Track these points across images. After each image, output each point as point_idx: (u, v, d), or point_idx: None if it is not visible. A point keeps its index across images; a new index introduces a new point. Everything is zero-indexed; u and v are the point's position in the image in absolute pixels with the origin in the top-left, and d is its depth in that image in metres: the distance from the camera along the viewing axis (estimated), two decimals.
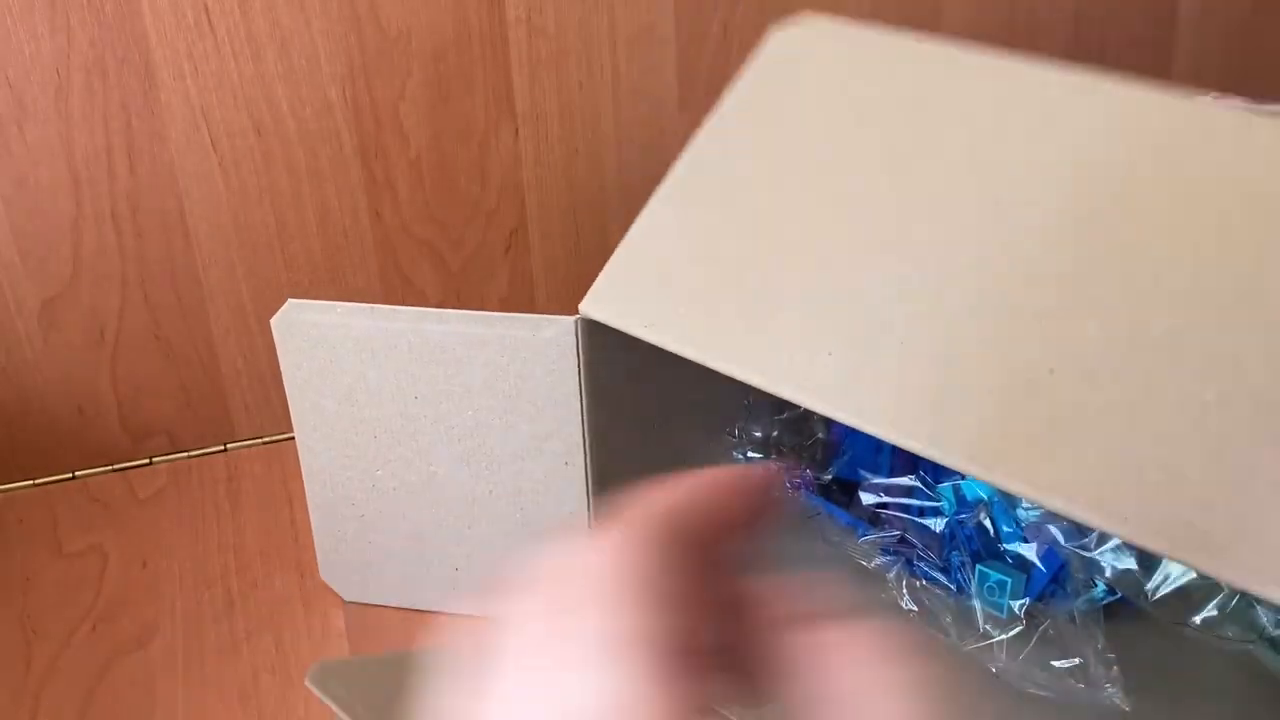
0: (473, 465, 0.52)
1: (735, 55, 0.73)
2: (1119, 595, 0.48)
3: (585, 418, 0.49)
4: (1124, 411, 0.36)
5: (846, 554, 0.54)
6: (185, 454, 0.71)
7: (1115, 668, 0.46)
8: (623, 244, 0.48)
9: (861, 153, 0.45)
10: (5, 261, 0.64)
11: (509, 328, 0.49)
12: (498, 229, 0.72)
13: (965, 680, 0.49)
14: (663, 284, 0.46)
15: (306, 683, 0.45)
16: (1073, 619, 0.47)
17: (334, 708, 0.44)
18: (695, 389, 0.53)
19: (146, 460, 0.71)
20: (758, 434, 0.57)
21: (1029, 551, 0.49)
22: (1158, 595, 0.46)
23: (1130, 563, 0.46)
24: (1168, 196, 0.39)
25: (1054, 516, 0.47)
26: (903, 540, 0.52)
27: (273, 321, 0.51)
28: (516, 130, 0.70)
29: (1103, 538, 0.46)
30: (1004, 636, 0.48)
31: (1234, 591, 0.45)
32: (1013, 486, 0.35)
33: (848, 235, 0.43)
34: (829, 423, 0.57)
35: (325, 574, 0.57)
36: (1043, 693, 0.47)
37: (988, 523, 0.50)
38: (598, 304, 0.46)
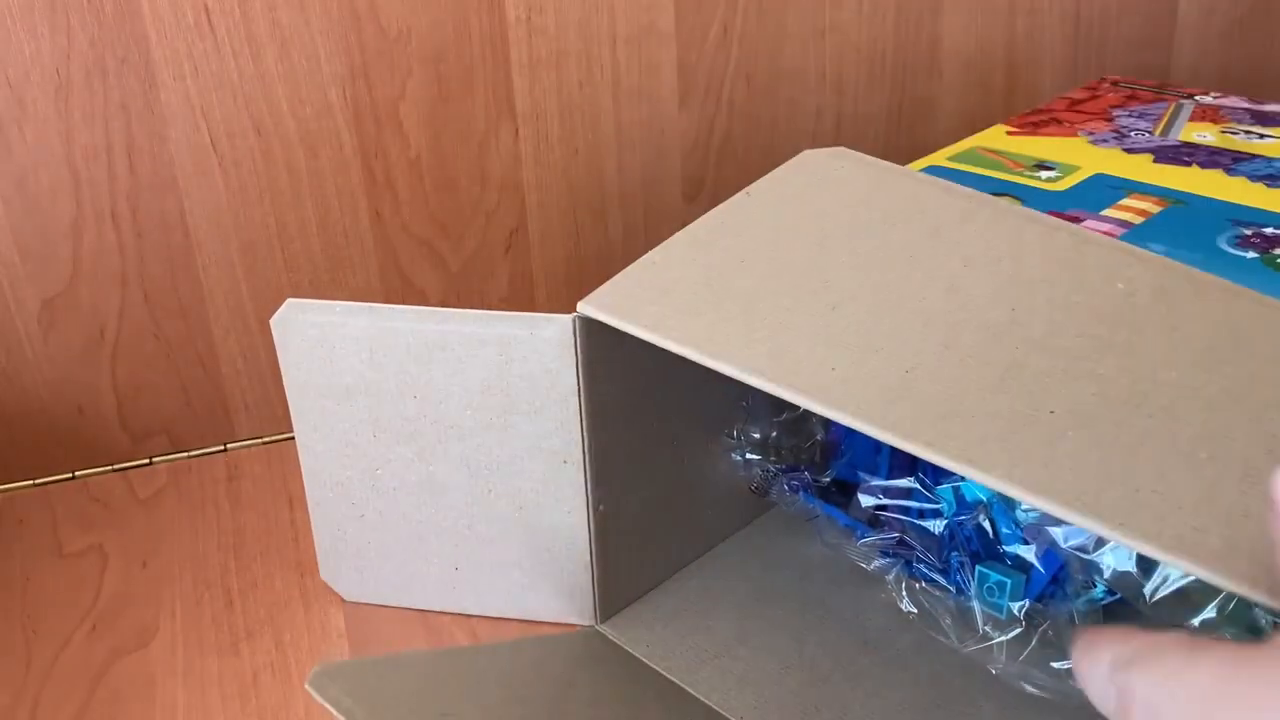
0: (472, 465, 0.52)
1: (735, 55, 0.74)
2: (1118, 596, 0.48)
3: (584, 417, 0.49)
4: (1121, 416, 0.37)
5: (845, 556, 0.55)
6: (185, 454, 0.71)
7: None
8: (627, 269, 0.49)
9: (880, 239, 0.47)
10: (5, 261, 0.64)
11: (508, 326, 0.49)
12: (498, 229, 0.72)
13: (965, 682, 0.49)
14: (665, 293, 0.46)
15: (307, 687, 0.45)
16: (1072, 620, 0.47)
17: (334, 712, 0.44)
18: (693, 391, 0.54)
19: (146, 460, 0.71)
20: (756, 435, 0.57)
21: (1028, 553, 0.49)
22: (1157, 597, 0.46)
23: (1129, 565, 0.46)
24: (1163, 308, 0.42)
25: (1053, 518, 0.47)
26: (901, 542, 0.52)
27: (272, 321, 0.51)
28: (516, 130, 0.70)
29: (1101, 540, 0.46)
30: (1004, 638, 0.48)
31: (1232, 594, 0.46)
32: (1011, 489, 0.36)
33: (859, 284, 0.45)
34: (827, 424, 0.57)
35: (325, 574, 0.57)
36: (1042, 694, 0.47)
37: (987, 524, 0.50)
38: (597, 304, 0.47)
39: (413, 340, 0.50)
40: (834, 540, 0.55)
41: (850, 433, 0.56)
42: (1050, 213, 0.55)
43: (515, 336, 0.48)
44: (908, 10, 0.76)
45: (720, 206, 0.52)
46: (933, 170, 0.59)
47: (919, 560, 0.52)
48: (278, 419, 0.72)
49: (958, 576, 0.51)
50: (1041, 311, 0.42)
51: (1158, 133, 0.64)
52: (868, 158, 0.53)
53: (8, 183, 0.62)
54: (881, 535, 0.53)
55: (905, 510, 0.52)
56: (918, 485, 0.52)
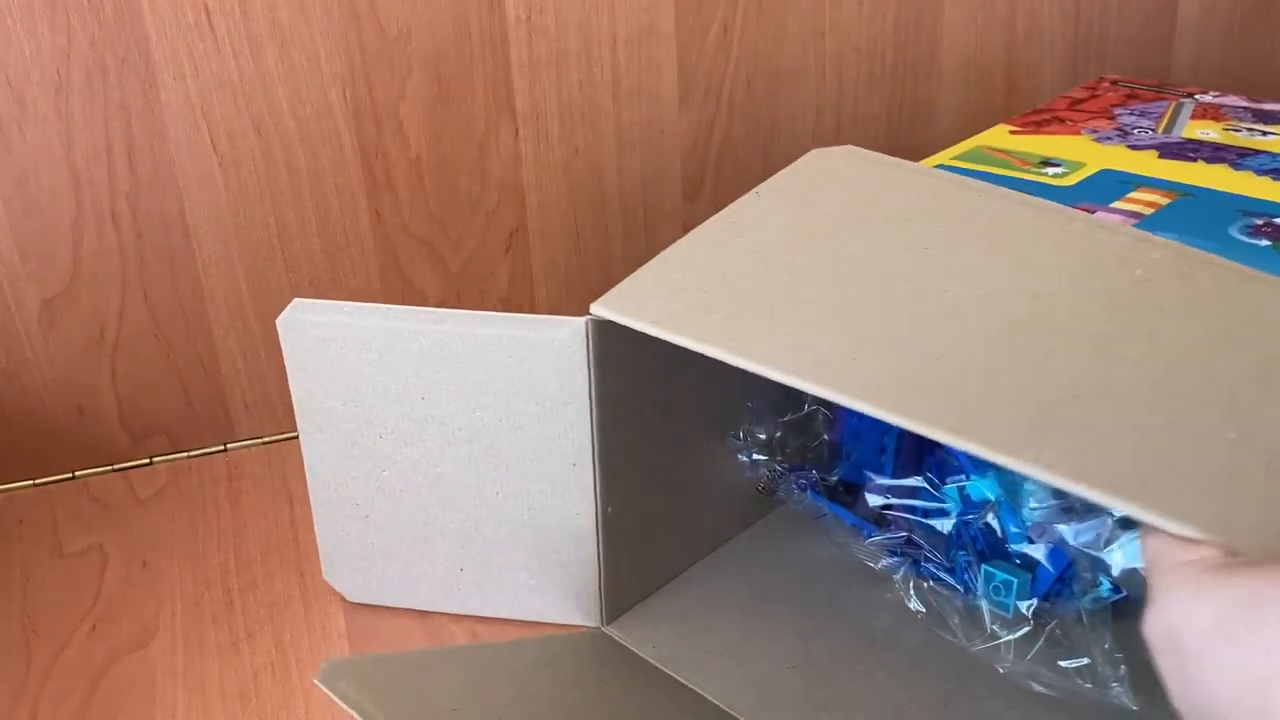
0: (480, 466, 0.51)
1: (735, 55, 0.74)
2: (1125, 594, 0.48)
3: (594, 419, 0.49)
4: (1149, 400, 0.37)
5: (852, 555, 0.54)
6: (185, 454, 0.71)
7: (1123, 667, 0.46)
8: (638, 270, 0.48)
9: (894, 233, 0.47)
10: (5, 261, 0.64)
11: (519, 328, 0.48)
12: (498, 229, 0.72)
13: (972, 680, 0.49)
14: (679, 292, 0.46)
15: (316, 681, 0.45)
16: (1080, 618, 0.47)
17: (344, 706, 0.44)
18: (699, 393, 0.54)
19: (146, 460, 0.71)
20: (761, 436, 0.57)
21: (1035, 551, 0.49)
22: None
23: (1138, 561, 0.46)
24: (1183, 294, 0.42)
25: (1061, 515, 0.47)
26: (909, 541, 0.52)
27: (278, 321, 0.51)
28: (516, 130, 0.70)
29: (1110, 537, 0.46)
30: (1011, 637, 0.48)
31: None
32: (1042, 473, 0.35)
33: (876, 277, 0.45)
34: (832, 424, 0.57)
35: (328, 574, 0.57)
36: (1050, 692, 0.47)
37: (994, 523, 0.50)
38: (610, 306, 0.46)
39: (422, 341, 0.49)
40: (841, 540, 0.55)
41: (855, 434, 0.56)
42: None
43: (526, 339, 0.48)
44: (908, 10, 0.76)
45: (730, 206, 0.51)
46: (939, 169, 0.59)
47: (927, 559, 0.52)
48: (278, 419, 0.72)
49: (964, 575, 0.51)
50: (1063, 299, 0.42)
51: (1160, 130, 0.64)
52: (876, 154, 0.53)
53: (8, 183, 0.62)
54: (889, 534, 0.53)
55: (912, 509, 0.52)
56: (925, 485, 0.52)
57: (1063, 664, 0.47)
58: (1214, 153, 0.61)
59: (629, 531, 0.53)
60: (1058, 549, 0.48)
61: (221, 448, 0.71)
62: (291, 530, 0.63)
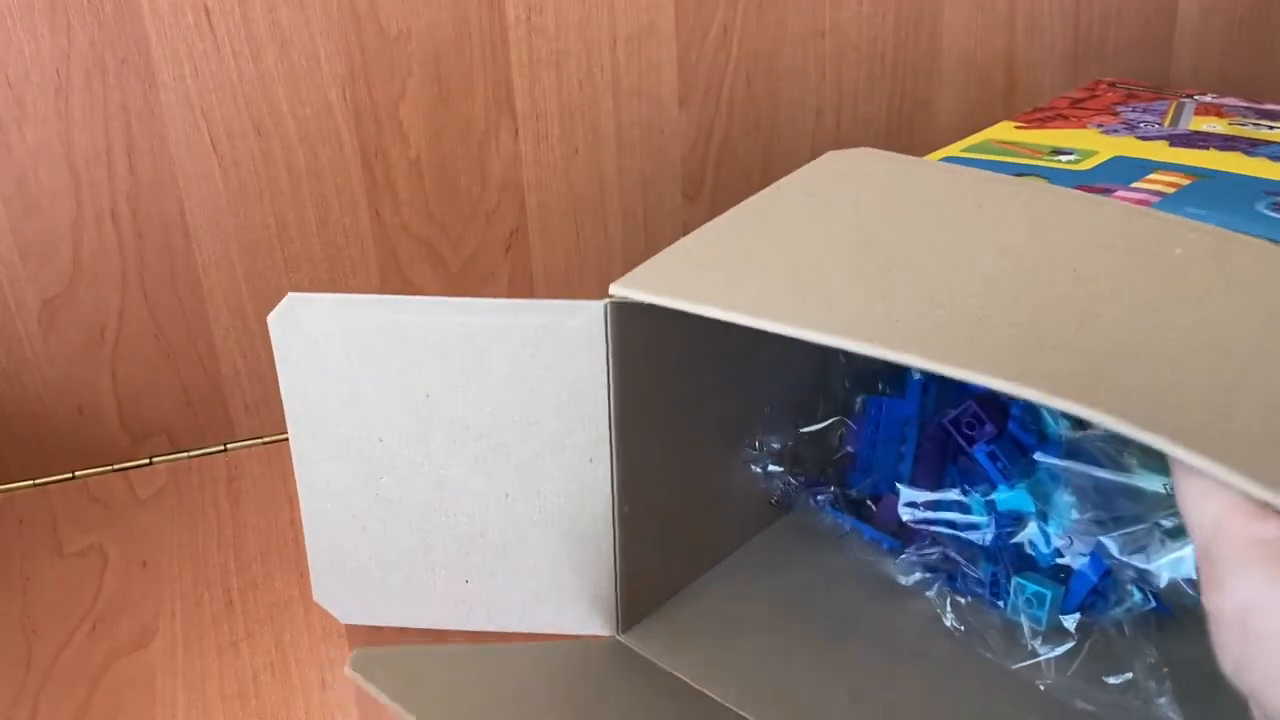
0: (488, 467, 0.49)
1: (735, 55, 0.74)
2: (1161, 603, 0.46)
3: (613, 412, 0.46)
4: (1210, 363, 0.36)
5: (878, 572, 0.52)
6: (185, 454, 0.71)
7: (1168, 681, 0.44)
8: (658, 254, 0.47)
9: (922, 216, 0.46)
10: (5, 261, 0.64)
11: (532, 315, 0.45)
12: (498, 229, 0.72)
13: (1010, 694, 0.46)
14: (703, 270, 0.44)
15: (347, 670, 0.42)
16: (1122, 631, 0.45)
17: (376, 694, 0.41)
18: (718, 391, 0.52)
19: (146, 460, 0.71)
20: (776, 446, 0.55)
21: (1072, 562, 0.47)
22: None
23: (1183, 573, 0.44)
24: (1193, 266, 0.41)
25: (1099, 526, 0.46)
26: (943, 556, 0.50)
27: (270, 318, 0.48)
28: (516, 130, 0.70)
29: (1155, 548, 0.44)
30: (1052, 654, 0.46)
31: None
32: (1120, 425, 0.33)
33: (910, 250, 0.44)
34: (850, 436, 0.56)
35: (319, 596, 0.53)
36: (1092, 708, 0.45)
37: (1032, 538, 0.49)
38: (631, 284, 0.44)
39: (427, 333, 0.46)
40: (868, 557, 0.53)
41: (872, 444, 0.55)
42: (1080, 186, 0.53)
43: (540, 326, 0.45)
44: (908, 10, 0.76)
45: (750, 198, 0.49)
46: (949, 160, 0.58)
47: (963, 574, 0.50)
48: (278, 419, 0.71)
49: (996, 588, 0.49)
50: (1104, 271, 0.40)
51: (1166, 124, 0.64)
52: (893, 154, 0.51)
53: (8, 183, 0.62)
54: (923, 549, 0.51)
55: (946, 523, 0.50)
56: (961, 497, 0.50)
57: (1106, 679, 0.45)
58: (1225, 142, 0.60)
59: (647, 533, 0.50)
60: (1093, 560, 0.46)
61: (221, 448, 0.71)
62: (291, 530, 0.63)
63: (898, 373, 0.54)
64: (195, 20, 0.62)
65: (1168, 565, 0.44)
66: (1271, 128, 0.63)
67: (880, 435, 0.55)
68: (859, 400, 0.56)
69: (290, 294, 0.48)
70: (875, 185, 0.49)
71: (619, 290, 0.45)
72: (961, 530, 0.50)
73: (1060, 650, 0.46)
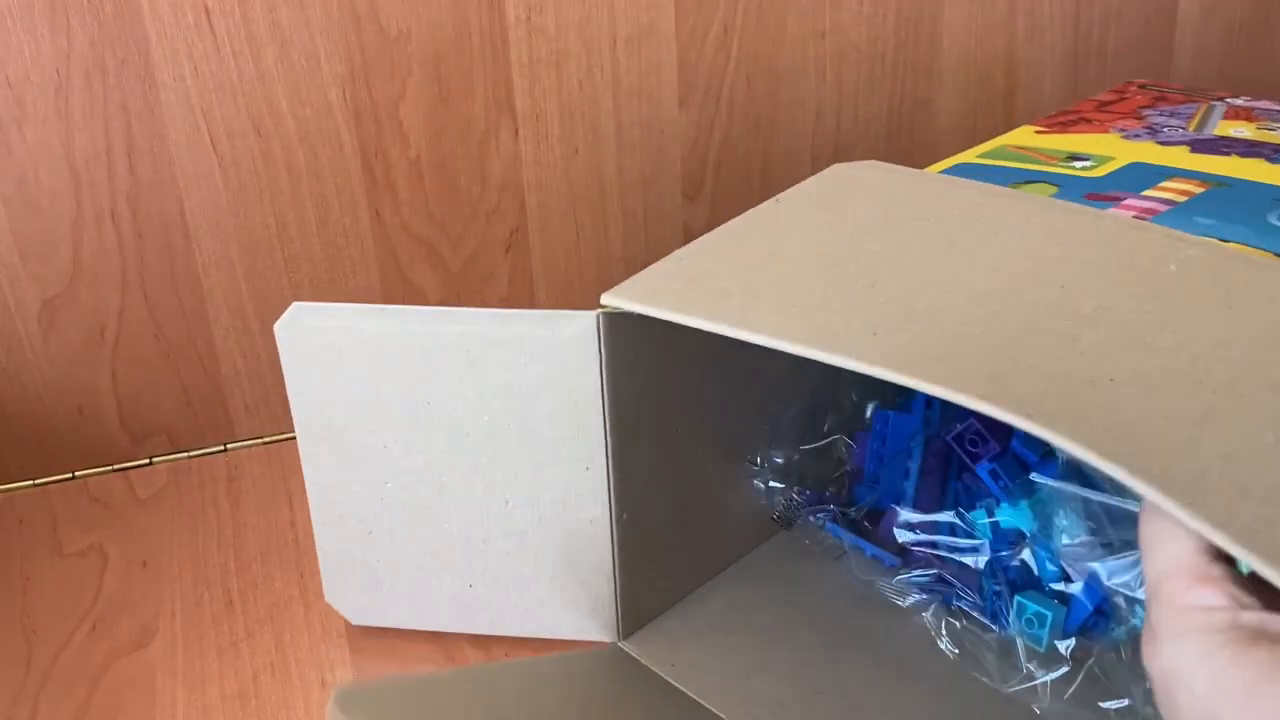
0: (488, 473, 0.49)
1: (735, 55, 0.74)
2: None
3: (607, 420, 0.47)
4: (1184, 390, 0.35)
5: (877, 591, 0.52)
6: (185, 454, 0.71)
7: None
8: (652, 265, 0.47)
9: (915, 231, 0.46)
10: (5, 261, 0.64)
11: (526, 325, 0.46)
12: (498, 229, 0.72)
13: (1006, 712, 0.46)
14: (693, 282, 0.45)
15: (329, 710, 0.43)
16: (1119, 655, 0.45)
17: None
18: (718, 403, 0.52)
19: (146, 460, 0.71)
20: (780, 461, 0.55)
21: (1072, 587, 0.47)
22: None
23: None
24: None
25: (1095, 551, 0.45)
26: (939, 578, 0.50)
27: (276, 327, 0.49)
28: (516, 130, 0.70)
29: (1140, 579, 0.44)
30: (1049, 677, 0.46)
31: None
32: (1076, 449, 0.33)
33: (897, 266, 0.44)
34: (855, 451, 0.56)
35: (330, 597, 0.55)
36: None
37: (1029, 559, 0.48)
38: (621, 295, 0.45)
39: (426, 343, 0.47)
40: (865, 576, 0.53)
41: (879, 458, 0.55)
42: (1089, 194, 0.53)
43: (535, 336, 0.46)
44: (908, 10, 0.76)
45: (748, 211, 0.50)
46: (963, 167, 0.58)
47: (959, 597, 0.49)
48: (278, 419, 0.72)
49: (995, 604, 0.49)
50: (1091, 289, 0.40)
51: (1191, 129, 0.63)
52: (899, 167, 0.52)
53: (8, 183, 0.62)
54: (917, 571, 0.51)
55: (944, 544, 0.50)
56: (955, 519, 0.49)
57: (1102, 705, 0.44)
58: (1249, 148, 0.59)
59: (645, 541, 0.51)
60: (1088, 586, 0.46)
61: (221, 448, 0.71)
62: (291, 530, 0.63)
63: (905, 388, 0.54)
64: (195, 20, 0.62)
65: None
66: None
67: (887, 450, 0.54)
68: (869, 414, 0.56)
69: (295, 303, 0.49)
70: (874, 199, 0.49)
71: (610, 300, 0.45)
72: (956, 553, 0.50)
73: (1057, 674, 0.46)
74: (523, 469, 0.49)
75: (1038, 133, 0.64)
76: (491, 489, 0.50)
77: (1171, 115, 0.66)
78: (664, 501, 0.51)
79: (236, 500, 0.66)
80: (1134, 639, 0.45)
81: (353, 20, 0.65)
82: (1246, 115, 0.66)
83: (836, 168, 0.53)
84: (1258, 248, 0.47)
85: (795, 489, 0.55)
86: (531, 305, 0.75)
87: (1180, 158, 0.58)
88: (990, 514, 0.49)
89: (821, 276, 0.43)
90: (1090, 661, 0.46)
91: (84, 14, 0.60)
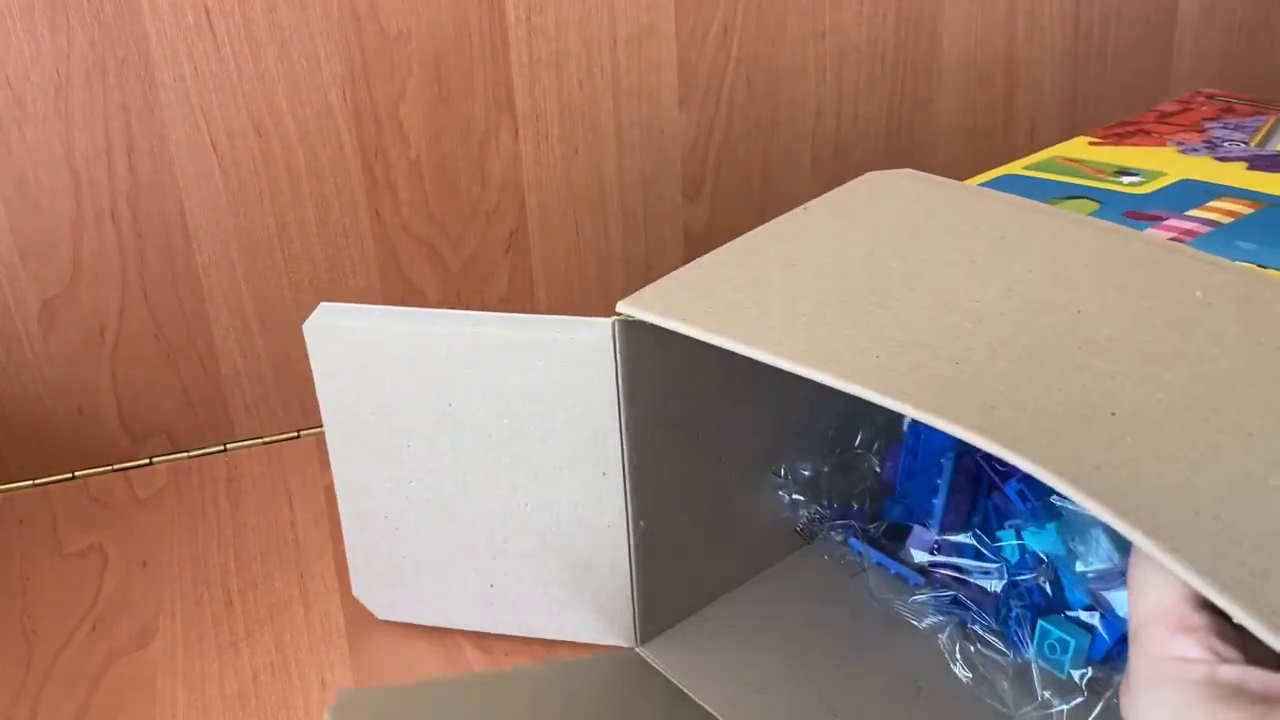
0: (509, 476, 0.50)
1: (735, 55, 0.74)
2: None
3: (623, 426, 0.47)
4: (1188, 428, 0.34)
5: (896, 612, 0.52)
6: (185, 454, 0.71)
7: None
8: (673, 272, 0.47)
9: (938, 247, 0.46)
10: (5, 261, 0.64)
11: (546, 330, 0.47)
12: (498, 229, 0.72)
13: None
14: (708, 293, 0.45)
15: (326, 717, 0.43)
16: None
17: None
18: (743, 416, 0.52)
19: (146, 460, 0.71)
20: (806, 473, 0.55)
21: (1093, 617, 0.46)
22: None
23: None
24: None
25: (1118, 579, 0.45)
26: (955, 600, 0.50)
27: (305, 326, 0.50)
28: (516, 130, 0.70)
29: None
30: (1065, 706, 0.45)
31: None
32: (1062, 485, 0.33)
33: (911, 285, 0.43)
34: (884, 464, 0.55)
35: (358, 591, 0.55)
36: None
37: (1055, 583, 0.47)
38: (635, 303, 0.45)
39: (448, 345, 0.48)
40: (884, 595, 0.52)
41: (910, 474, 0.54)
42: (1130, 213, 0.51)
43: (552, 341, 0.47)
44: (908, 10, 0.76)
45: (775, 219, 0.50)
46: (1008, 179, 0.57)
47: (975, 620, 0.49)
48: (278, 419, 0.72)
49: (1016, 629, 0.48)
50: (1109, 315, 0.39)
51: (1254, 143, 0.61)
52: (934, 177, 0.51)
53: (8, 183, 0.62)
54: (935, 592, 0.50)
55: (960, 567, 0.49)
56: (974, 541, 0.49)
57: None
58: None
59: (664, 549, 0.51)
60: (1107, 619, 0.45)
61: (221, 448, 0.71)
62: (291, 530, 0.63)
63: None
64: (195, 20, 0.62)
65: None
66: None
67: (918, 465, 0.54)
68: (905, 426, 0.55)
69: (323, 303, 0.50)
70: (902, 212, 0.49)
71: (624, 308, 0.45)
72: (973, 575, 0.49)
73: (1073, 704, 0.45)
74: (541, 472, 0.49)
75: (1091, 144, 0.62)
76: (512, 490, 0.50)
77: (1235, 128, 0.64)
78: (683, 511, 0.51)
79: (236, 500, 0.66)
80: None
81: (353, 20, 0.65)
82: None
83: (870, 176, 0.53)
84: None
85: (821, 502, 0.55)
86: (531, 305, 0.75)
87: (1236, 175, 0.56)
88: (1019, 534, 0.48)
89: (835, 293, 0.43)
90: (1110, 694, 0.44)
91: (84, 14, 0.60)
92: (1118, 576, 0.45)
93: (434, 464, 0.51)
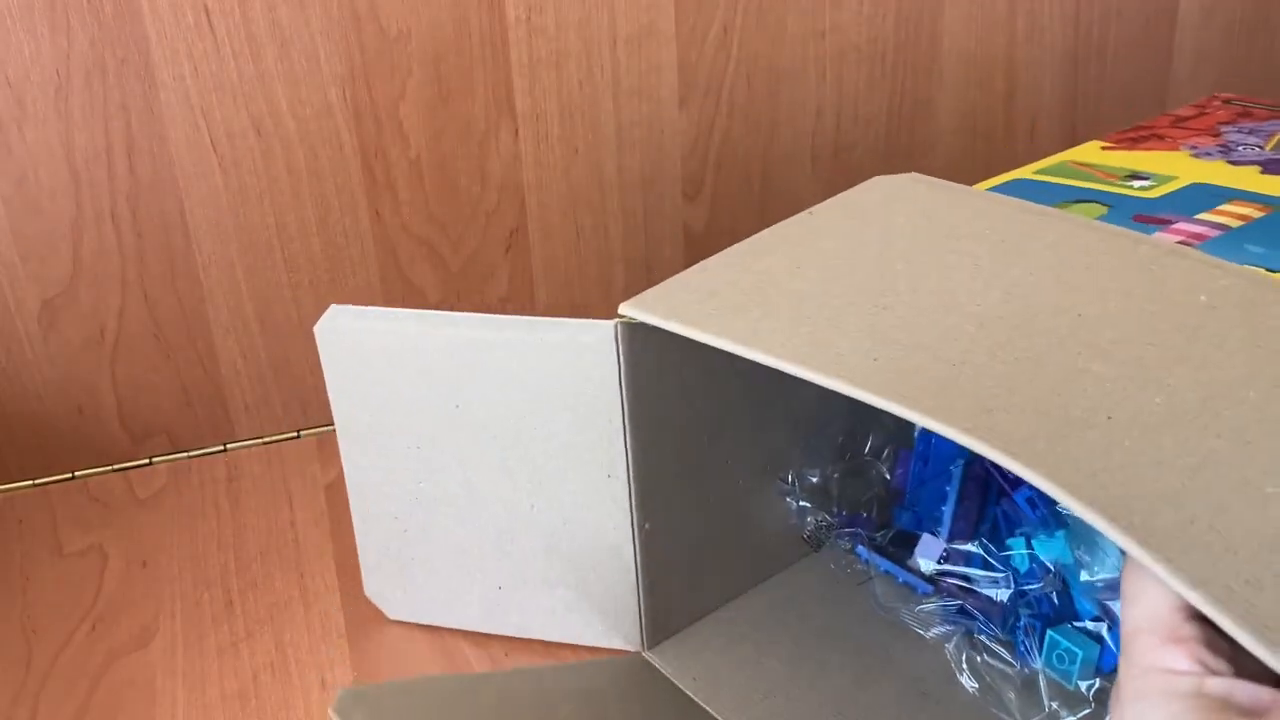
0: (515, 477, 0.50)
1: (735, 55, 0.74)
2: None
3: (627, 428, 0.47)
4: (1186, 434, 0.34)
5: (902, 621, 0.52)
6: (185, 454, 0.71)
7: None
8: (678, 274, 0.47)
9: (942, 251, 0.46)
10: (5, 261, 0.64)
11: (549, 332, 0.47)
12: (498, 229, 0.72)
13: None
14: (711, 295, 0.45)
15: (330, 712, 0.43)
16: None
17: None
18: (750, 420, 0.52)
19: (146, 460, 0.71)
20: (814, 480, 0.54)
21: (1101, 628, 0.46)
22: None
23: None
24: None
25: (1113, 590, 0.45)
26: (962, 610, 0.49)
27: (316, 328, 0.50)
28: (516, 130, 0.70)
29: None
30: (1073, 717, 0.45)
31: None
32: (1054, 490, 0.32)
33: (914, 288, 0.43)
34: (894, 470, 0.55)
35: (370, 591, 0.55)
36: None
37: (1064, 591, 0.47)
38: (638, 305, 0.45)
39: (457, 347, 0.48)
40: (891, 604, 0.52)
41: (920, 480, 0.54)
42: (1138, 216, 0.51)
43: (555, 342, 0.47)
44: (908, 10, 0.76)
45: (780, 223, 0.50)
46: (1019, 184, 0.57)
47: (981, 630, 0.49)
48: (278, 419, 0.72)
49: (1024, 638, 0.47)
50: (1111, 319, 0.39)
51: (1270, 147, 0.61)
52: (940, 181, 0.51)
53: (8, 183, 0.62)
54: (941, 602, 0.50)
55: (967, 576, 0.49)
56: (980, 550, 0.48)
57: None
58: None
59: (669, 552, 0.51)
60: (1115, 632, 0.45)
61: (221, 448, 0.71)
62: (291, 530, 0.63)
63: None
64: (195, 20, 0.62)
65: None
66: None
67: (929, 471, 0.53)
68: (916, 432, 0.55)
69: (334, 305, 0.50)
70: (909, 215, 0.49)
71: (627, 310, 0.45)
72: (980, 585, 0.49)
73: (1081, 714, 0.45)
74: (547, 473, 0.49)
75: (1104, 149, 0.62)
76: (517, 491, 0.50)
77: (1250, 133, 0.63)
78: (689, 514, 0.51)
79: (236, 500, 0.66)
80: None
81: (353, 20, 0.65)
82: None
83: (876, 180, 0.53)
84: None
85: (829, 509, 0.55)
86: (531, 305, 0.75)
87: (1248, 179, 0.56)
88: (1029, 543, 0.48)
89: (838, 296, 0.43)
90: None
91: (84, 14, 0.60)
92: (1108, 591, 0.45)
93: (441, 465, 0.51)
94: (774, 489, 0.55)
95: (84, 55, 0.61)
